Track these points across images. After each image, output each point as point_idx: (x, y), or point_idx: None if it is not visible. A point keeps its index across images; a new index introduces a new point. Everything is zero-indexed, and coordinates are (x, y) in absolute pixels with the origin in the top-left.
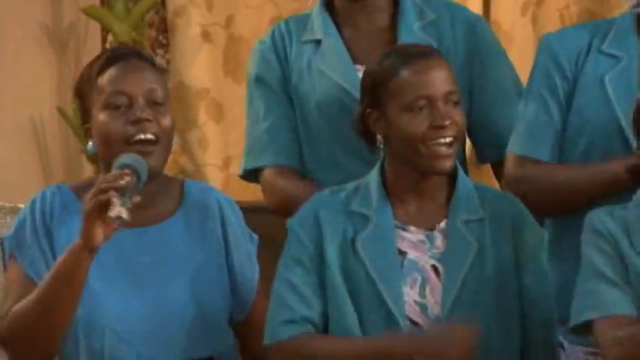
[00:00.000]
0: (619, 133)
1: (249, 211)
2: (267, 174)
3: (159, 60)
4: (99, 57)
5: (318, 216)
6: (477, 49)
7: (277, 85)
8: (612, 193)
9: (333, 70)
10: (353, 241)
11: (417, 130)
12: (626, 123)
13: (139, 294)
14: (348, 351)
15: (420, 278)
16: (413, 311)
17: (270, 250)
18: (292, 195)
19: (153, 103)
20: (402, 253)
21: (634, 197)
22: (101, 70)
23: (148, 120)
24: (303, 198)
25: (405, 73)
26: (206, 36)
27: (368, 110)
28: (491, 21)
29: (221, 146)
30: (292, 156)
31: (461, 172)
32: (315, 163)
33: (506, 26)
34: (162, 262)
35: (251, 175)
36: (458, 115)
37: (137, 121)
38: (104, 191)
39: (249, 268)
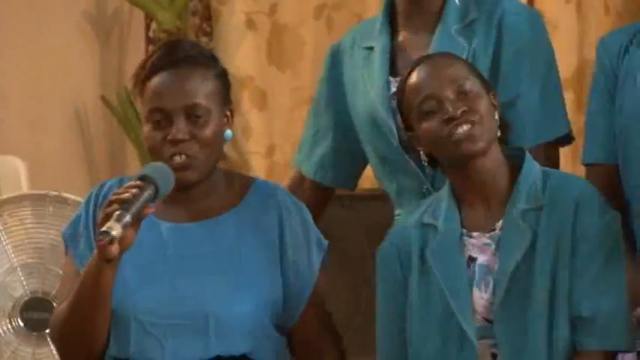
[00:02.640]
0: None
1: None
2: (294, 175)
3: None
4: (151, 55)
5: (399, 247)
6: (505, 49)
7: (330, 95)
8: None
9: (370, 83)
10: (422, 253)
11: (436, 134)
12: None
13: (170, 288)
14: None
15: (491, 280)
16: (486, 312)
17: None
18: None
19: (194, 117)
20: (473, 259)
21: None
22: (147, 77)
23: (183, 141)
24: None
25: (409, 85)
26: (250, 24)
27: (408, 134)
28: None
29: (265, 134)
30: (318, 170)
31: (528, 160)
32: (376, 173)
33: (551, 14)
34: (202, 258)
35: None
36: (474, 103)
37: (173, 142)
38: (112, 203)
39: (305, 275)
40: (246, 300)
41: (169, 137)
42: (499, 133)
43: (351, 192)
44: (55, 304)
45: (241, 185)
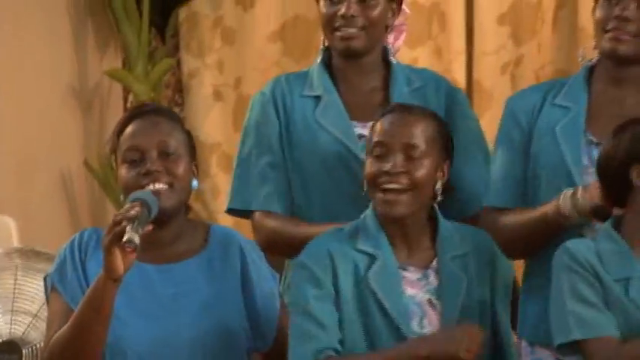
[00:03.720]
0: (568, 177)
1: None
2: (257, 216)
3: None
4: (122, 117)
5: (331, 252)
6: (454, 116)
7: (272, 134)
8: (548, 233)
9: (334, 126)
10: (365, 277)
11: (371, 172)
12: (575, 169)
13: (160, 322)
14: None
15: (419, 312)
16: None
17: None
18: (280, 232)
19: (165, 154)
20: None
21: (599, 230)
22: (121, 130)
23: (157, 171)
24: (292, 233)
25: (375, 129)
26: (217, 95)
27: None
28: (474, 80)
29: None
30: (281, 201)
31: (439, 215)
32: (306, 206)
33: (487, 85)
34: (184, 296)
35: (236, 212)
36: (415, 168)
37: (148, 174)
38: (118, 223)
39: (271, 303)
40: (223, 332)
41: (143, 170)
42: (439, 199)
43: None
44: (44, 339)
45: (202, 230)
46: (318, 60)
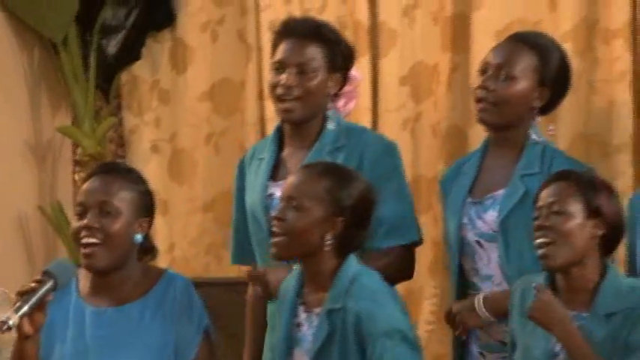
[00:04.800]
0: (455, 238)
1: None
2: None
3: None
4: (86, 174)
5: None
6: (366, 167)
7: (239, 194)
8: None
9: (255, 187)
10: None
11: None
12: (453, 226)
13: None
14: None
15: (308, 346)
16: None
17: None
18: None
19: (105, 212)
20: (300, 325)
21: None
22: (83, 184)
23: (94, 228)
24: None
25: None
26: (155, 149)
27: None
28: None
29: (166, 235)
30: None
31: (349, 263)
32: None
33: (390, 138)
34: (114, 338)
35: None
36: (290, 216)
37: (85, 228)
38: (17, 295)
39: (186, 347)
40: None
41: (82, 224)
42: (329, 246)
43: (238, 277)
44: None
45: (154, 277)
46: (275, 127)
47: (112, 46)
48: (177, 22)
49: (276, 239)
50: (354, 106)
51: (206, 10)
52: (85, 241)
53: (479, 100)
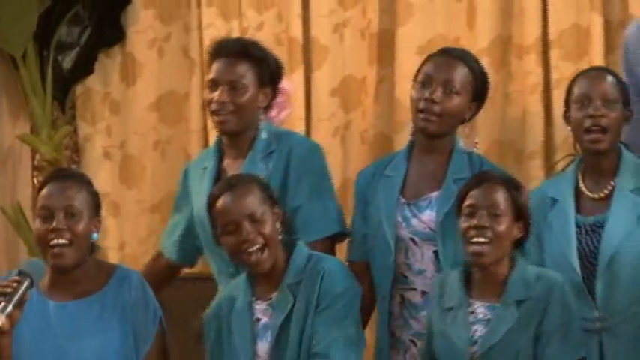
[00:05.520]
0: (385, 230)
1: None
2: (156, 253)
3: None
4: (42, 180)
5: (215, 311)
6: (290, 172)
7: (182, 198)
8: None
9: (201, 195)
10: (228, 319)
11: (235, 250)
12: (388, 224)
13: (56, 352)
14: None
15: (269, 335)
16: (269, 358)
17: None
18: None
19: (70, 215)
20: (259, 320)
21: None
22: (39, 190)
23: (62, 229)
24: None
25: (217, 207)
26: (106, 155)
27: (215, 239)
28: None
29: (117, 234)
30: (172, 250)
31: (297, 248)
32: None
33: (324, 147)
34: (77, 330)
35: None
36: (262, 227)
37: (54, 231)
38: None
39: (144, 336)
40: (104, 356)
41: (51, 227)
42: (280, 236)
43: (192, 273)
44: None
45: (107, 271)
46: (216, 138)
47: (67, 61)
48: (126, 39)
49: (262, 251)
50: (287, 115)
51: (153, 28)
52: (54, 242)
53: (422, 111)
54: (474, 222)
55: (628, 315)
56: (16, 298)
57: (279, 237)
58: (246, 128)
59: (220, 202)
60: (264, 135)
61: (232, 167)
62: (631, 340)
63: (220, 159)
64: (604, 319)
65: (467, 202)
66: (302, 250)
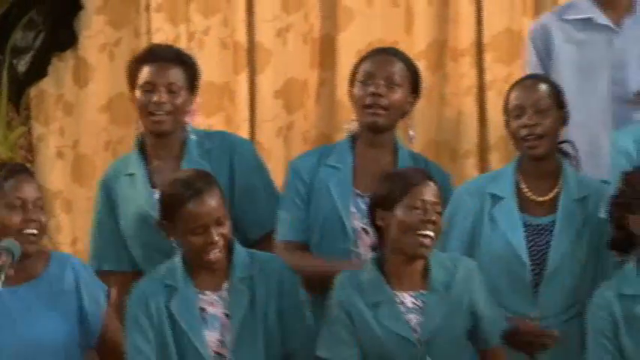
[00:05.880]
0: (339, 222)
1: None
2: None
3: None
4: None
5: (143, 298)
6: (235, 162)
7: (107, 210)
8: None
9: (140, 196)
10: (168, 306)
11: (196, 248)
12: (345, 215)
13: (14, 331)
14: None
15: (218, 324)
16: (216, 347)
17: None
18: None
19: (38, 208)
20: (204, 310)
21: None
22: (3, 181)
23: (35, 220)
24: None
25: (189, 212)
26: (59, 154)
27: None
28: (256, 141)
29: (70, 230)
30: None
31: (236, 246)
32: (135, 255)
33: (266, 145)
34: (29, 310)
35: None
36: (224, 228)
37: (29, 221)
38: None
39: (97, 308)
40: (61, 337)
41: (27, 218)
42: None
43: None
44: None
45: (44, 255)
46: (134, 146)
47: (22, 64)
48: (79, 43)
49: (217, 252)
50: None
51: (104, 32)
52: (29, 231)
53: (369, 106)
54: (428, 217)
55: (564, 318)
56: (3, 273)
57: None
58: (176, 129)
59: (190, 207)
60: (193, 136)
61: (164, 168)
62: (563, 341)
63: (146, 162)
64: (541, 319)
65: (417, 198)
66: (240, 247)
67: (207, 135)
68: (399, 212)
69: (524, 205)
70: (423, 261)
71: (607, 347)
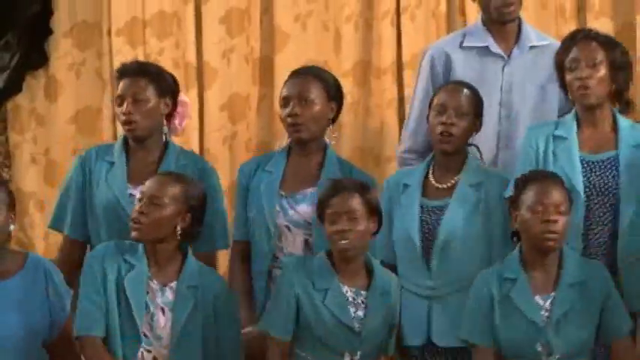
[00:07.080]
0: (266, 222)
1: None
2: (63, 238)
3: (5, 175)
4: None
5: (104, 258)
6: (205, 176)
7: (78, 187)
8: None
9: (115, 186)
10: (122, 279)
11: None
12: (269, 216)
13: None
14: None
15: (169, 314)
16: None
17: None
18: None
19: (9, 214)
20: (152, 294)
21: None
22: None
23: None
24: (65, 255)
25: None
26: (33, 160)
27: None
28: (205, 149)
29: (43, 226)
30: (76, 229)
31: (190, 259)
32: (97, 237)
33: (213, 152)
34: (8, 304)
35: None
36: (152, 210)
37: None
38: None
39: (62, 314)
40: (30, 334)
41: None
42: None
43: None
44: None
45: (20, 257)
46: (121, 138)
47: (0, 81)
48: (49, 63)
49: (137, 226)
50: (185, 125)
51: (72, 54)
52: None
53: (291, 125)
54: (339, 227)
55: (456, 288)
56: None
57: (179, 235)
58: (152, 132)
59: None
60: (172, 146)
61: (145, 167)
62: (455, 309)
63: (127, 156)
64: (435, 288)
65: (328, 211)
66: (191, 257)
67: (182, 152)
68: (325, 224)
69: (427, 191)
70: (363, 260)
71: (480, 321)
